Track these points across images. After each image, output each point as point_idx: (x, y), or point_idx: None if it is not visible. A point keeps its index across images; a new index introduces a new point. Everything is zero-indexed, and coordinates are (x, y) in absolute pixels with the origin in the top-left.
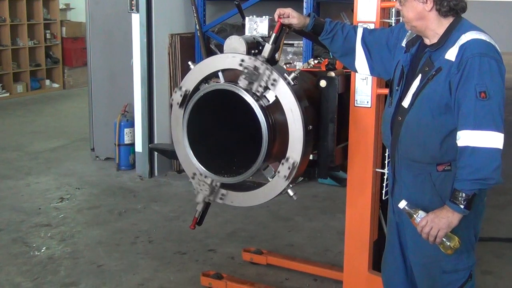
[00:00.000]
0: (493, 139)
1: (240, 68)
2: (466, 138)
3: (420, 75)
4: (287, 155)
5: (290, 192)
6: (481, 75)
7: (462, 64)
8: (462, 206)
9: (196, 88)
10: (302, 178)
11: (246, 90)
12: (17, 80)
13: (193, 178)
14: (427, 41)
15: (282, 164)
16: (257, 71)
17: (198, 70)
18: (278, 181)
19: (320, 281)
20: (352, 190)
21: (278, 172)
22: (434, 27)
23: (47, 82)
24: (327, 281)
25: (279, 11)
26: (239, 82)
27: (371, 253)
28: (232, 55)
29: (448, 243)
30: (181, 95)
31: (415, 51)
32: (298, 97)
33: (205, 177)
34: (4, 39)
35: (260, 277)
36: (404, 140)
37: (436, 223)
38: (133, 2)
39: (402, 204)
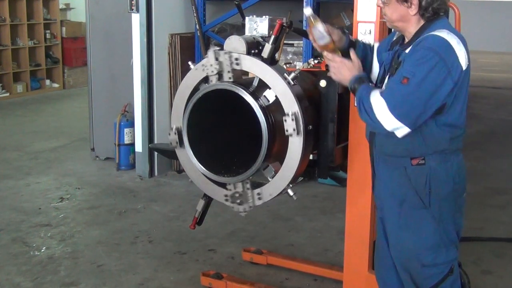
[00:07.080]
0: (390, 124)
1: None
2: (377, 103)
3: (389, 73)
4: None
5: (290, 192)
6: (416, 63)
7: (409, 53)
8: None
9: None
10: (302, 178)
11: (246, 90)
12: (17, 80)
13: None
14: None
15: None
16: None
17: (179, 103)
18: None
19: (320, 281)
20: (352, 190)
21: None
22: (413, 29)
23: (47, 82)
24: (327, 281)
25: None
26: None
27: (371, 253)
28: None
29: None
30: (175, 133)
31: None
32: (298, 97)
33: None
34: (4, 39)
35: (260, 277)
36: (378, 135)
37: (338, 69)
38: (133, 2)
39: (308, 11)
